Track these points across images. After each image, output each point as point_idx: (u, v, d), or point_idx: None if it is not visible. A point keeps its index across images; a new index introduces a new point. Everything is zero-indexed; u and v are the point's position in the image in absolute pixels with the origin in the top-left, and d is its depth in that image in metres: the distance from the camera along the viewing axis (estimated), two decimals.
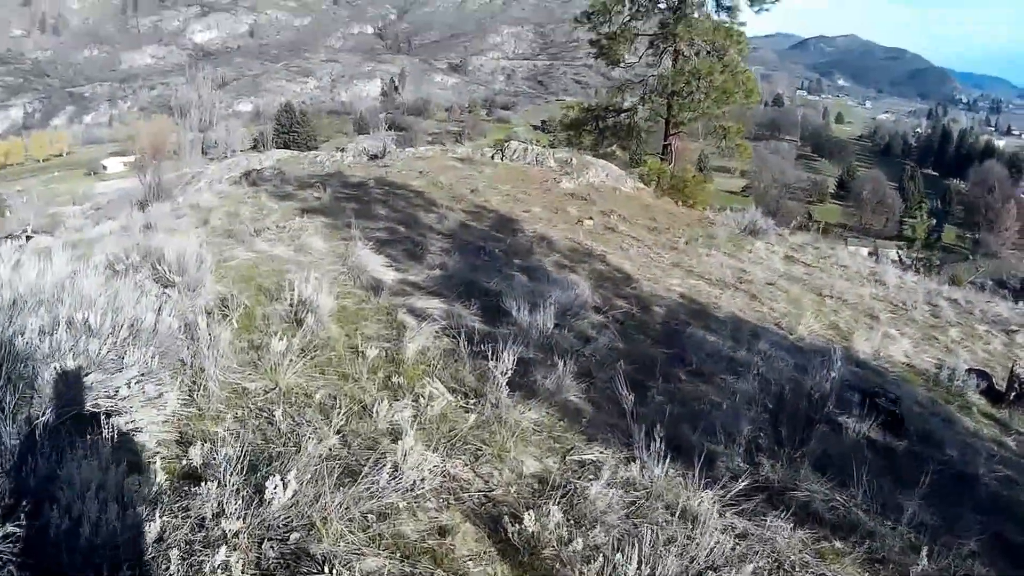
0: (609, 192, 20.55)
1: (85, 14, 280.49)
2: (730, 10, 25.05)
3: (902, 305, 15.81)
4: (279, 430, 4.87)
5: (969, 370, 10.83)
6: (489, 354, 5.93)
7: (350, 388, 5.78)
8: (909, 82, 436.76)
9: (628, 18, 26.16)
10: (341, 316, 7.49)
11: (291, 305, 7.19)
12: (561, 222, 16.20)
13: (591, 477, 5.01)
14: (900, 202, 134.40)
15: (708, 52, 25.05)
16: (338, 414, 5.09)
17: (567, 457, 5.37)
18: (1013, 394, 10.12)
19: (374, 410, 5.29)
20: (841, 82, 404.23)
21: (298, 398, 5.45)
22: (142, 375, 4.84)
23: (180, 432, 4.71)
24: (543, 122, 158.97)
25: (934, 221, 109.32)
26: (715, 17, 25.27)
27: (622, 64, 27.38)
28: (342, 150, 22.77)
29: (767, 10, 24.86)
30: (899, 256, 60.58)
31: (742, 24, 24.86)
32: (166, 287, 7.16)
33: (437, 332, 7.11)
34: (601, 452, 5.46)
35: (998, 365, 12.66)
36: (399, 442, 4.66)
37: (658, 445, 5.04)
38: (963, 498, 6.21)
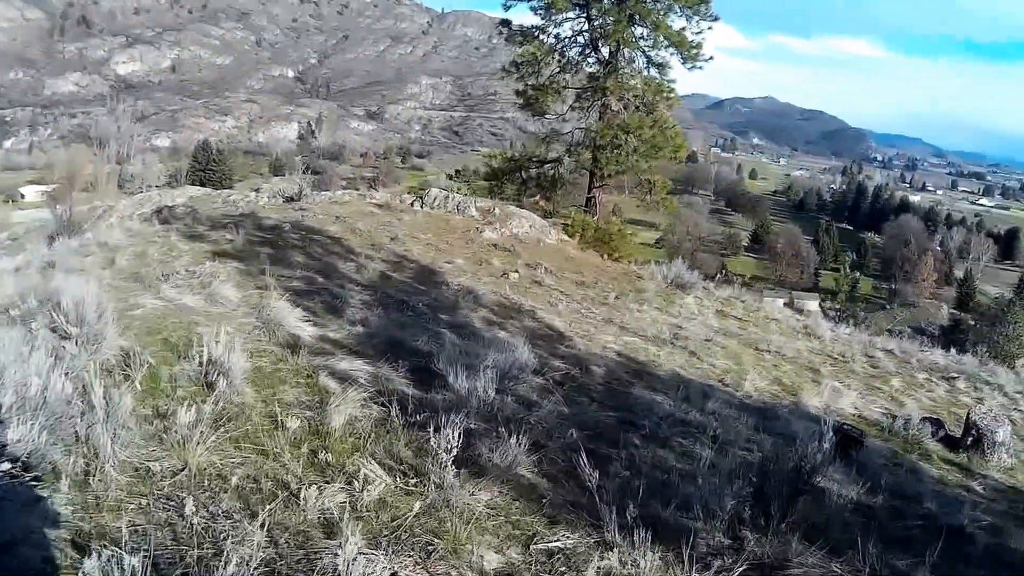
0: (533, 244, 20.11)
1: (13, 34, 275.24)
2: (661, 67, 24.97)
3: (841, 357, 15.61)
4: (191, 525, 4.15)
5: (923, 418, 10.77)
6: (427, 425, 5.46)
7: (271, 467, 5.07)
8: (825, 142, 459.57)
9: (557, 70, 25.97)
10: (256, 378, 6.76)
11: (201, 365, 6.45)
12: (486, 274, 15.69)
13: (563, 570, 4.45)
14: (815, 255, 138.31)
15: (637, 107, 24.93)
16: (260, 502, 4.44)
17: (532, 546, 4.72)
18: (970, 439, 10.10)
19: (302, 496, 4.63)
20: (756, 140, 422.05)
21: (212, 481, 4.73)
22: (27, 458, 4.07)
23: (76, 529, 3.97)
24: (457, 171, 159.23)
25: (857, 274, 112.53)
26: (645, 73, 25.17)
27: (548, 115, 27.09)
28: (257, 190, 21.97)
29: (700, 67, 24.78)
30: (822, 308, 62.06)
31: (672, 81, 24.85)
32: (64, 339, 6.41)
33: (365, 399, 6.42)
34: (568, 537, 4.85)
35: (945, 412, 12.66)
36: (335, 538, 4.06)
37: (633, 527, 4.54)
38: (960, 555, 5.89)
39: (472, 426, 6.14)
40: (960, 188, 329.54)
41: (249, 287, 10.44)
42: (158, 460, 4.82)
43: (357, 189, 27.40)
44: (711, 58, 24.60)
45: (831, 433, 6.66)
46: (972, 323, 78.00)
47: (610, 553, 4.59)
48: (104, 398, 4.93)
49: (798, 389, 12.02)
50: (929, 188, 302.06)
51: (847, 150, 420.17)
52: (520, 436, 5.77)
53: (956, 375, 15.85)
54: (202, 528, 4.16)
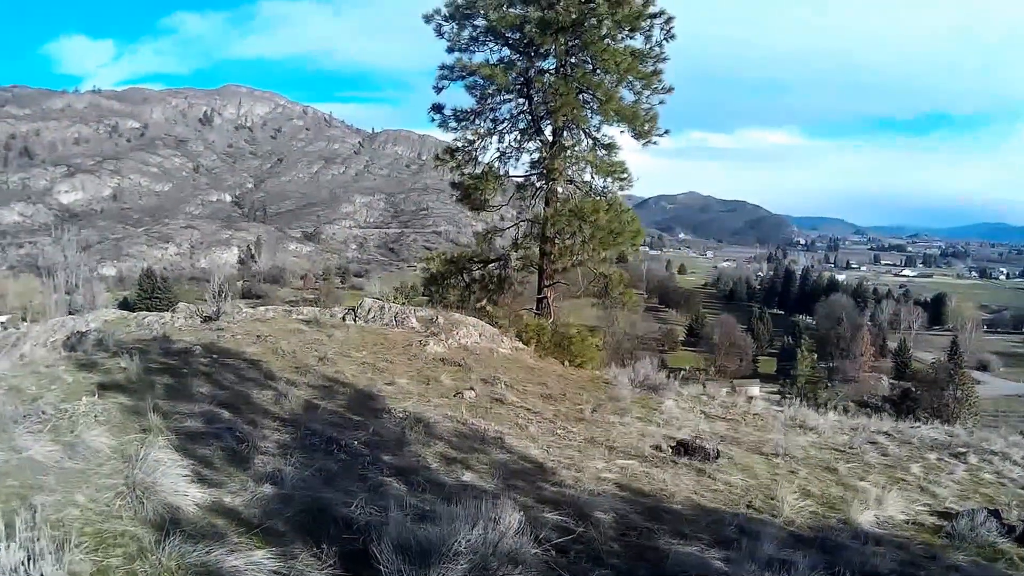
0: (486, 354, 17.56)
1: None
2: (609, 147, 22.38)
3: (849, 449, 14.06)
4: None
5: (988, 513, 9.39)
6: None
7: None
8: (748, 231, 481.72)
9: (496, 155, 23.75)
10: None
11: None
12: (436, 395, 13.04)
13: None
14: (751, 342, 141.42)
15: (587, 192, 22.66)
16: None
17: None
18: None
19: None
20: (683, 235, 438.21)
21: None
22: None
23: None
24: (396, 288, 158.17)
25: (815, 355, 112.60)
26: (593, 154, 22.77)
27: (489, 208, 24.61)
28: (173, 311, 19.29)
29: (655, 143, 22.32)
30: (781, 392, 62.89)
31: (621, 162, 22.43)
32: None
33: None
34: None
35: (976, 494, 11.64)
36: None
37: None
38: None
39: None
40: (883, 262, 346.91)
41: (131, 430, 8.21)
42: None
43: (285, 306, 24.51)
44: (667, 131, 22.36)
45: None
46: (914, 390, 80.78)
47: None
48: None
49: (835, 501, 10.12)
50: (853, 265, 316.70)
51: (771, 237, 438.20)
52: None
53: (963, 449, 15.20)
54: None
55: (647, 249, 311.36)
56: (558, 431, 11.90)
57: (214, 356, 13.14)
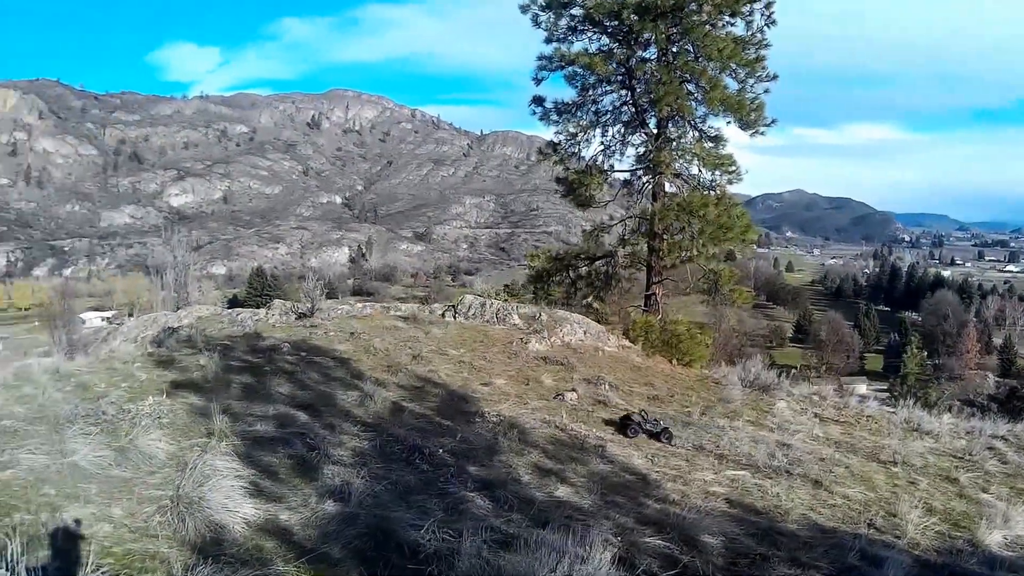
0: (590, 353, 16.54)
1: (68, 170, 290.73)
2: (716, 140, 21.09)
3: (968, 456, 12.76)
4: None
5: None
6: None
7: None
8: (853, 228, 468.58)
9: (601, 148, 22.62)
10: None
11: None
12: (535, 397, 12.11)
13: None
14: (858, 339, 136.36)
15: (695, 186, 21.40)
16: None
17: None
18: None
19: None
20: (789, 233, 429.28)
21: None
22: None
23: None
24: (506, 286, 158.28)
25: (925, 354, 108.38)
26: (700, 146, 21.43)
27: (594, 204, 23.47)
28: (268, 307, 18.80)
29: (762, 133, 20.92)
30: (890, 391, 60.58)
31: (729, 155, 21.05)
32: None
33: None
34: None
35: None
36: None
37: None
38: None
39: None
40: (987, 258, 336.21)
41: (195, 433, 7.61)
42: None
43: (384, 302, 23.81)
44: (774, 121, 20.94)
45: None
46: (1020, 388, 73.34)
47: None
48: None
49: (960, 518, 9.07)
50: (958, 262, 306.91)
51: (876, 234, 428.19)
52: None
53: None
54: None
55: (754, 247, 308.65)
56: (664, 437, 10.84)
57: (301, 354, 12.53)
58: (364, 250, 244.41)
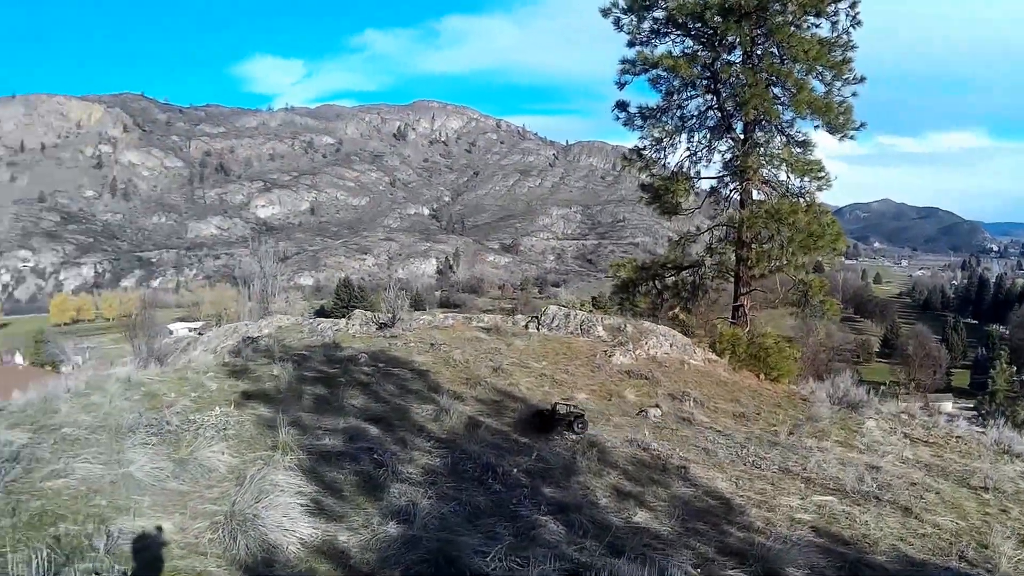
0: (676, 367, 15.98)
1: (154, 182, 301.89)
2: (804, 145, 20.42)
3: None
4: None
5: None
6: None
7: None
8: (942, 237, 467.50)
9: (687, 154, 21.99)
10: None
11: None
12: (617, 413, 11.69)
13: None
14: (946, 353, 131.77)
15: (783, 194, 20.63)
16: None
17: None
18: None
19: None
20: (877, 244, 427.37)
21: None
22: None
23: None
24: (593, 299, 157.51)
25: (1014, 369, 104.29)
26: (787, 151, 20.67)
27: (680, 213, 22.82)
28: (348, 317, 18.64)
29: (851, 137, 20.12)
30: (978, 409, 58.39)
31: (817, 161, 20.25)
32: None
33: None
34: None
35: None
36: None
37: None
38: None
39: None
40: None
41: (260, 446, 7.39)
42: None
43: (466, 313, 23.49)
44: (863, 125, 20.13)
45: None
46: None
47: None
48: None
49: None
50: None
51: (963, 243, 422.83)
52: None
53: None
54: None
55: (842, 259, 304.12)
56: (750, 458, 10.27)
57: (379, 365, 12.26)
58: (451, 262, 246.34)
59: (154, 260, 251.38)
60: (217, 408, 8.42)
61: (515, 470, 7.61)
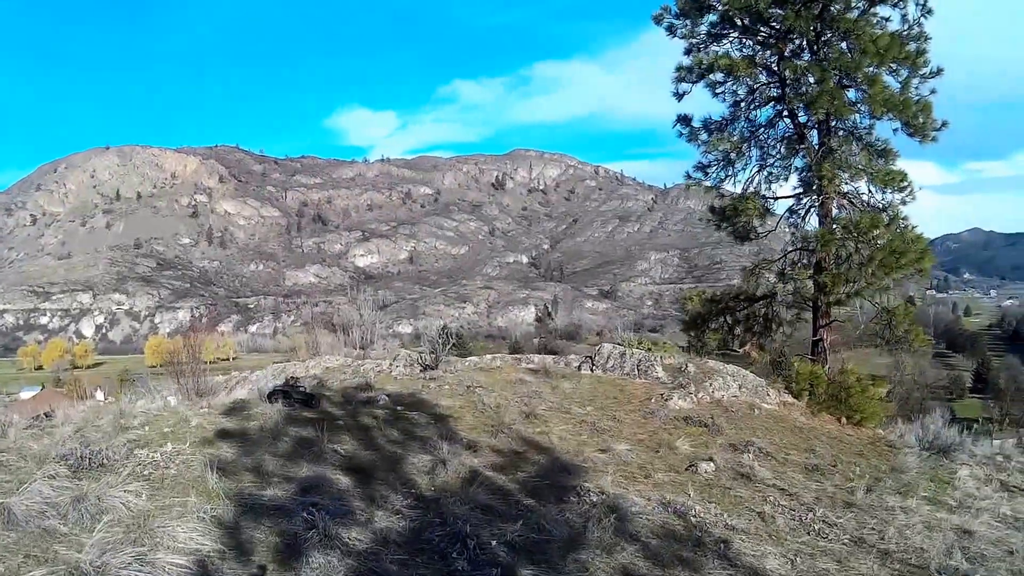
0: (743, 411, 14.00)
1: (251, 231, 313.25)
2: (884, 154, 18.54)
3: None
4: None
5: None
6: None
7: None
8: None
9: (757, 169, 20.19)
10: None
11: None
12: (662, 468, 10.00)
13: None
14: None
15: (863, 208, 18.57)
16: None
17: None
18: None
19: None
20: (967, 275, 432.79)
21: None
22: None
23: None
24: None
25: None
26: (865, 161, 18.71)
27: (753, 237, 20.86)
28: (394, 358, 17.54)
29: (933, 139, 18.05)
30: None
31: (900, 171, 18.23)
32: None
33: None
34: None
35: None
36: None
37: None
38: None
39: None
40: None
41: (189, 491, 6.30)
42: None
43: (516, 356, 22.04)
44: (944, 123, 18.09)
45: None
46: None
47: None
48: None
49: None
50: None
51: None
52: None
53: None
54: None
55: (933, 292, 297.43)
56: (813, 526, 8.41)
57: (397, 408, 11.17)
58: (550, 308, 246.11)
59: (251, 306, 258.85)
60: (168, 445, 7.29)
61: (495, 542, 6.04)
